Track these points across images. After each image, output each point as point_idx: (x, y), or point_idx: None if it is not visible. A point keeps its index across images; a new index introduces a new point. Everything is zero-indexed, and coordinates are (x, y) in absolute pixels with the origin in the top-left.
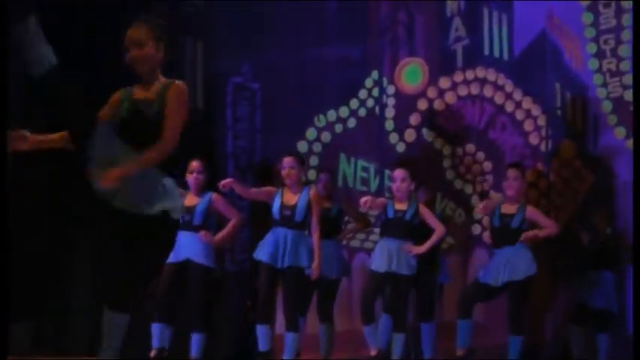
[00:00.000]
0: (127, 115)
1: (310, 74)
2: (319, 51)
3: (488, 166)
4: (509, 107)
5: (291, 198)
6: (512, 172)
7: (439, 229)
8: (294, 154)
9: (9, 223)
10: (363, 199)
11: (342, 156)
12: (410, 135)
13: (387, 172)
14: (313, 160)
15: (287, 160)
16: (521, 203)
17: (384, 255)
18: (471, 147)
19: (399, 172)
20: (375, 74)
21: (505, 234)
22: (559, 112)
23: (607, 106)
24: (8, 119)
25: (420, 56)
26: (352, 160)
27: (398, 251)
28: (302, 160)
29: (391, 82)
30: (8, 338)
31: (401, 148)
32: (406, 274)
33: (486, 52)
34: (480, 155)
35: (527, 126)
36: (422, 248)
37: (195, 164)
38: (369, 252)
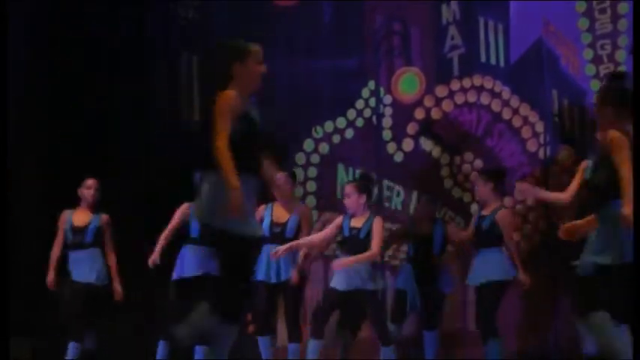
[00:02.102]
0: None
1: (306, 86)
2: (315, 62)
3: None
4: (507, 114)
5: (282, 215)
6: (477, 178)
7: (374, 250)
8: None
9: (8, 230)
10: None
11: (341, 166)
12: (408, 144)
13: (385, 181)
14: (311, 172)
15: (277, 177)
16: (494, 207)
17: (341, 273)
18: (468, 155)
19: (346, 188)
20: (371, 84)
21: (478, 236)
22: (556, 118)
23: None
24: (8, 119)
25: (416, 65)
26: (350, 170)
27: (357, 268)
28: (293, 177)
29: (388, 91)
30: (9, 350)
31: (399, 157)
32: (372, 289)
33: (483, 59)
34: (478, 163)
35: (525, 133)
36: (349, 260)
37: (90, 182)
38: None
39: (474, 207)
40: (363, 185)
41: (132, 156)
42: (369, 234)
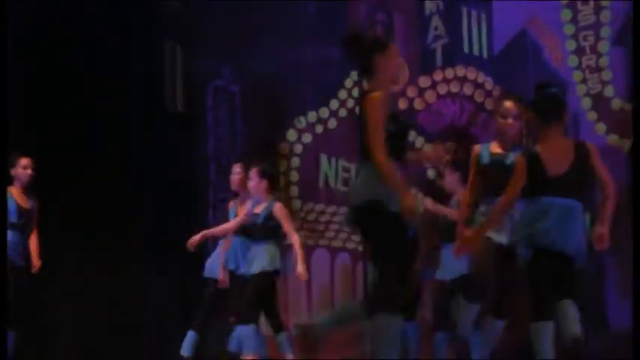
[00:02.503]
0: None
1: (290, 76)
2: (298, 53)
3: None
4: (490, 105)
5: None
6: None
7: (293, 237)
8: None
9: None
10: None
11: (323, 157)
12: None
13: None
14: (294, 162)
15: (244, 172)
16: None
17: (231, 255)
18: (451, 145)
19: (250, 172)
20: (354, 75)
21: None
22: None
23: (587, 102)
24: (8, 119)
25: (400, 55)
26: (333, 160)
27: (249, 252)
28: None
29: None
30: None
31: None
32: (258, 272)
33: (466, 50)
34: (461, 153)
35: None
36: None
37: (25, 161)
38: (350, 251)
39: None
40: (265, 171)
41: (115, 144)
42: (266, 219)
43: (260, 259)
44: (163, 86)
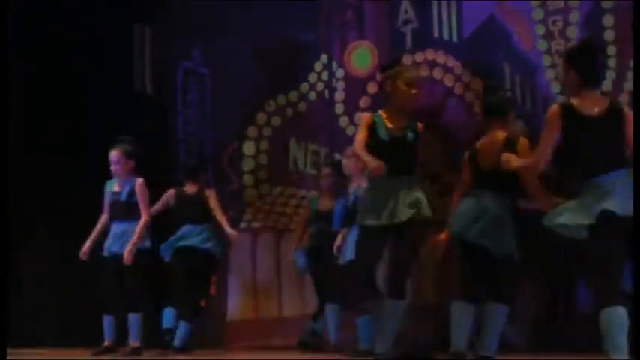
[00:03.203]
0: None
1: (260, 58)
2: (268, 35)
3: (438, 147)
4: (459, 89)
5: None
6: (325, 170)
7: (144, 217)
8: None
9: (8, 225)
10: None
11: (293, 140)
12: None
13: (337, 155)
14: (264, 145)
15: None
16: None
17: (110, 238)
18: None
19: (111, 154)
20: (324, 58)
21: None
22: (509, 93)
23: (556, 86)
24: (8, 119)
25: (370, 39)
26: (303, 144)
27: (121, 233)
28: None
29: (341, 65)
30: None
31: (351, 131)
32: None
33: (436, 34)
34: (430, 137)
35: (477, 107)
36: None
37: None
38: None
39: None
40: (131, 151)
41: (84, 127)
42: (129, 197)
43: (126, 239)
44: (132, 69)
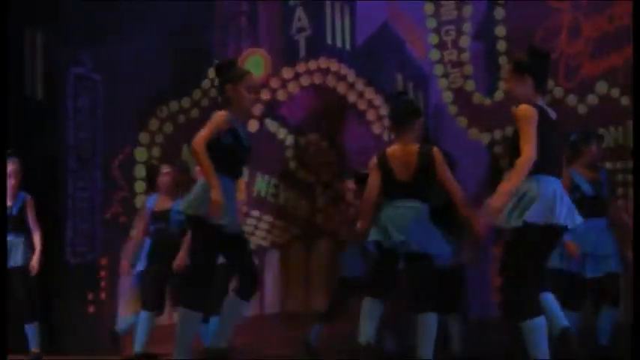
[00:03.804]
0: None
1: (153, 65)
2: (162, 41)
3: (331, 156)
4: (352, 97)
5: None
6: (164, 168)
7: (37, 232)
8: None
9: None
10: None
11: (185, 147)
12: (253, 125)
13: None
14: (156, 151)
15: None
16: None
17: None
18: (313, 137)
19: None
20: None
21: None
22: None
23: (448, 96)
24: (8, 119)
25: (263, 46)
26: None
27: (15, 246)
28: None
29: None
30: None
31: None
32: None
33: (329, 42)
34: (323, 145)
35: (370, 115)
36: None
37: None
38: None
39: (319, 189)
40: (18, 163)
41: None
42: (19, 212)
43: (15, 252)
44: (23, 72)
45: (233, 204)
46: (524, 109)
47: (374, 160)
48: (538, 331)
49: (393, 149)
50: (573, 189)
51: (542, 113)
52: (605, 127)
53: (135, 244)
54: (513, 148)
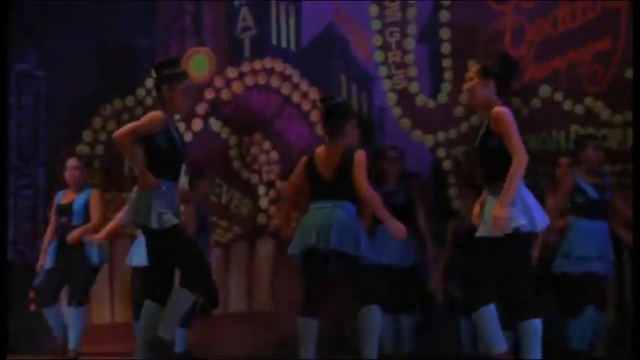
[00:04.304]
0: None
1: (96, 63)
2: (106, 39)
3: (274, 156)
4: (296, 98)
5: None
6: (72, 162)
7: None
8: None
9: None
10: None
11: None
12: (197, 124)
13: None
14: (99, 149)
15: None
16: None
17: None
18: (257, 137)
19: None
20: None
21: None
22: (346, 101)
23: (392, 97)
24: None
25: (208, 46)
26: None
27: None
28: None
29: None
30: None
31: (188, 137)
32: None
33: (274, 42)
34: (267, 145)
35: (314, 116)
36: None
37: None
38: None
39: (262, 189)
40: None
41: None
42: None
43: None
44: None
45: (174, 205)
46: (504, 111)
47: (303, 159)
48: (536, 333)
49: (320, 149)
50: (578, 192)
51: (512, 114)
52: (548, 131)
53: (47, 240)
54: (492, 150)
